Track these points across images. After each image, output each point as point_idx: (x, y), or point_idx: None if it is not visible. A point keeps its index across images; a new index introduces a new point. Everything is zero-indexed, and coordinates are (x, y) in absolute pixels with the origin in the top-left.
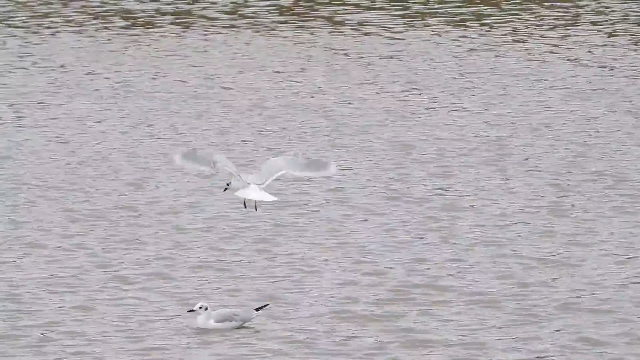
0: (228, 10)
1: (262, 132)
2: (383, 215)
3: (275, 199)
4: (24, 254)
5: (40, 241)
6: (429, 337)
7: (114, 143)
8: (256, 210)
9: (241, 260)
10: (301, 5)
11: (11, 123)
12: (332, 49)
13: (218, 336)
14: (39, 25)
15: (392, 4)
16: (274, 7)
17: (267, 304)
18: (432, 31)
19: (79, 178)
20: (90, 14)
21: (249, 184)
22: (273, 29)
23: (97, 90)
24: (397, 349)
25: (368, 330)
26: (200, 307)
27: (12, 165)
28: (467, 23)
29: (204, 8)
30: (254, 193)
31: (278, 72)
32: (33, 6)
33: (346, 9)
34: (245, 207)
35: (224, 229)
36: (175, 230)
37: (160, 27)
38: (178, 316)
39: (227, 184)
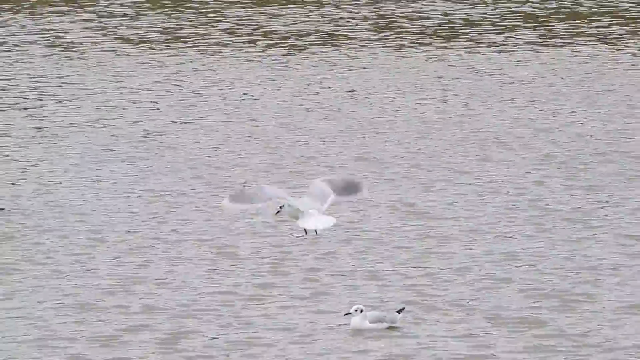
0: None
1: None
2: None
3: (335, 220)
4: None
5: None
6: None
7: None
8: (317, 233)
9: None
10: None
11: None
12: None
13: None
14: None
15: None
16: None
17: (404, 307)
18: None
19: None
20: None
21: (304, 210)
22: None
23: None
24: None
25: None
26: (355, 310)
27: None
28: None
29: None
30: (316, 222)
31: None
32: None
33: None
34: (307, 233)
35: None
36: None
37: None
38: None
39: (280, 207)
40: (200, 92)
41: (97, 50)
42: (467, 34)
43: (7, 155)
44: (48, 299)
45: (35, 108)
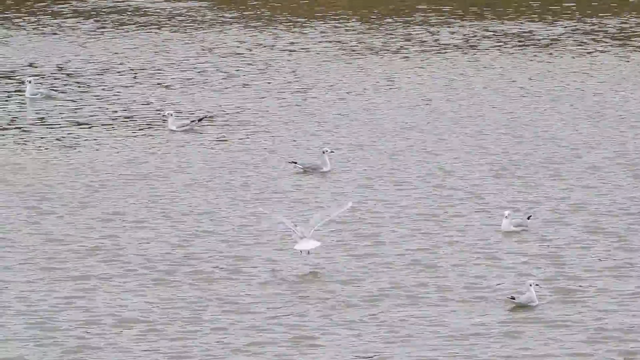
0: None
1: None
2: None
3: (318, 244)
4: None
5: None
6: None
7: None
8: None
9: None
10: None
11: None
12: None
13: None
14: None
15: None
16: None
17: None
18: None
19: None
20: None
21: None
22: None
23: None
24: None
25: None
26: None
27: None
28: None
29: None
30: (305, 244)
31: None
32: None
33: None
34: (309, 253)
35: None
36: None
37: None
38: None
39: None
40: None
41: None
42: None
43: None
44: None
45: None
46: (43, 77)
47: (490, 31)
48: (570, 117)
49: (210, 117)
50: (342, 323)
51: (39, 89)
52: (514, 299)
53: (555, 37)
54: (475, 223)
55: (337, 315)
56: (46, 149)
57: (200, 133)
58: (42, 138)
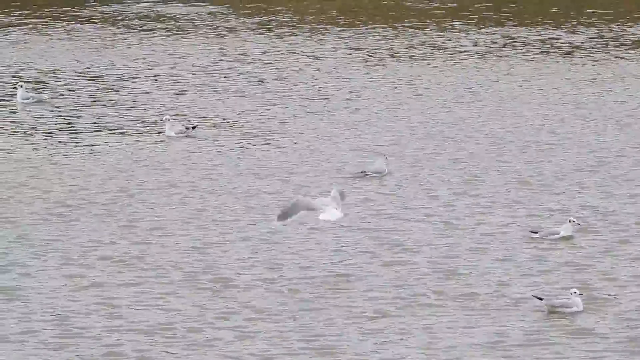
0: None
1: None
2: None
3: (342, 215)
4: None
5: None
6: None
7: None
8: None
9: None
10: None
11: None
12: None
13: None
14: None
15: None
16: None
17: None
18: None
19: None
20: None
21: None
22: None
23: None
24: None
25: None
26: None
27: None
28: None
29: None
30: (330, 216)
31: None
32: None
33: None
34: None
35: None
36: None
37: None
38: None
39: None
40: None
41: None
42: None
43: None
44: None
45: None
46: (65, 83)
47: (512, 38)
48: (594, 124)
49: (194, 126)
50: (368, 332)
51: (30, 93)
52: (542, 299)
53: (578, 44)
54: (504, 230)
55: (363, 324)
56: (65, 154)
57: (202, 139)
58: (60, 143)
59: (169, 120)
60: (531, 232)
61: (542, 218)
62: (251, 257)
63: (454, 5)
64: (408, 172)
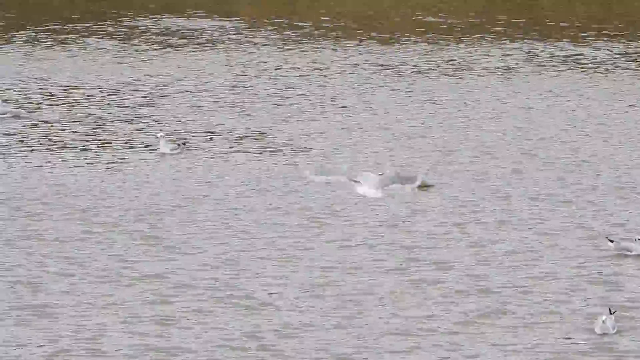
0: None
1: None
2: None
3: (380, 195)
4: None
5: None
6: None
7: None
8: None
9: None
10: None
11: None
12: None
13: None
14: None
15: None
16: None
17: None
18: None
19: None
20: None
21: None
22: None
23: None
24: None
25: None
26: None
27: None
28: None
29: None
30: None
31: None
32: None
33: None
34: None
35: None
36: None
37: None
38: None
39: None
40: None
41: None
42: None
43: None
44: None
45: None
46: (89, 97)
47: (539, 53)
48: (623, 140)
49: (185, 142)
50: (404, 350)
51: (7, 107)
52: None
53: (603, 59)
54: (551, 246)
55: (397, 342)
56: (90, 169)
57: (197, 155)
58: (78, 159)
59: (163, 137)
60: (608, 239)
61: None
62: (282, 275)
63: (476, 20)
64: (441, 187)
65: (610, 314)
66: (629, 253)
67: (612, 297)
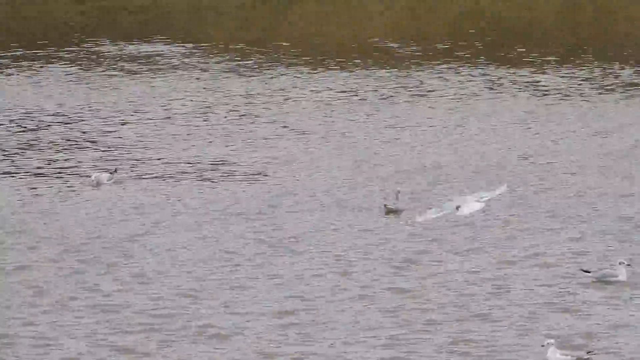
0: None
1: None
2: None
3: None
4: None
5: None
6: None
7: None
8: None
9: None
10: None
11: None
12: None
13: None
14: None
15: None
16: None
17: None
18: None
19: None
20: None
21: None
22: None
23: None
24: None
25: None
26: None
27: None
28: None
29: None
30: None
31: None
32: None
33: None
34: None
35: None
36: None
37: None
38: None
39: (457, 207)
40: None
41: None
42: None
43: None
44: None
45: None
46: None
47: (501, 79)
48: (584, 167)
49: (115, 170)
50: None
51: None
52: (588, 272)
53: (565, 85)
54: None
55: None
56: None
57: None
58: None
59: (100, 174)
60: (582, 270)
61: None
62: (263, 302)
63: (439, 46)
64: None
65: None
66: (613, 279)
67: (577, 325)
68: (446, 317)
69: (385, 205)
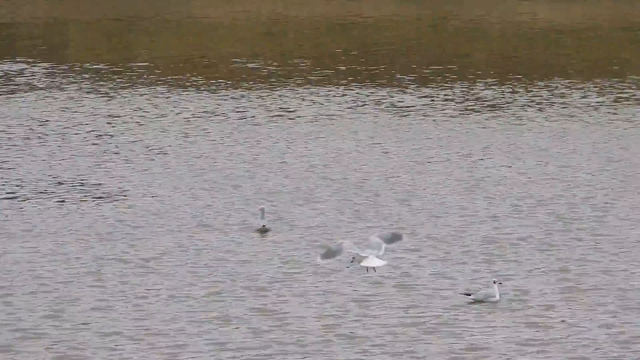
0: None
1: None
2: None
3: (385, 262)
4: None
5: None
6: None
7: None
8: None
9: None
10: None
11: None
12: None
13: None
14: None
15: None
16: None
17: None
18: None
19: None
20: None
21: (367, 256)
22: None
23: None
24: None
25: None
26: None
27: None
28: None
29: None
30: (374, 263)
31: None
32: None
33: None
34: (367, 271)
35: None
36: None
37: None
38: None
39: (353, 258)
40: None
41: None
42: None
43: None
44: None
45: None
46: None
47: (364, 98)
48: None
49: None
50: None
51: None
52: (469, 294)
53: (417, 104)
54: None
55: None
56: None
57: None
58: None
59: None
60: (464, 294)
61: None
62: (124, 322)
63: (302, 65)
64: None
65: None
66: (493, 299)
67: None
68: (313, 338)
69: (262, 225)
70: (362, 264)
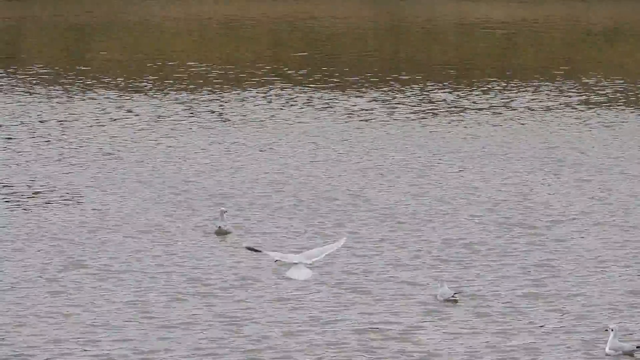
0: None
1: None
2: None
3: (310, 275)
4: None
5: None
6: None
7: None
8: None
9: None
10: None
11: None
12: None
13: None
14: None
15: None
16: None
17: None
18: None
19: None
20: None
21: (296, 263)
22: None
23: None
24: None
25: None
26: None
27: None
28: None
29: None
30: (297, 274)
31: None
32: None
33: None
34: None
35: None
36: None
37: None
38: None
39: (276, 260)
40: None
41: None
42: None
43: None
44: None
45: None
46: None
47: (314, 102)
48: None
49: None
50: None
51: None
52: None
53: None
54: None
55: None
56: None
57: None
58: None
59: None
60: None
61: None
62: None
63: (263, 69)
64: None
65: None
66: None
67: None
68: (271, 343)
69: (217, 226)
70: (287, 273)
